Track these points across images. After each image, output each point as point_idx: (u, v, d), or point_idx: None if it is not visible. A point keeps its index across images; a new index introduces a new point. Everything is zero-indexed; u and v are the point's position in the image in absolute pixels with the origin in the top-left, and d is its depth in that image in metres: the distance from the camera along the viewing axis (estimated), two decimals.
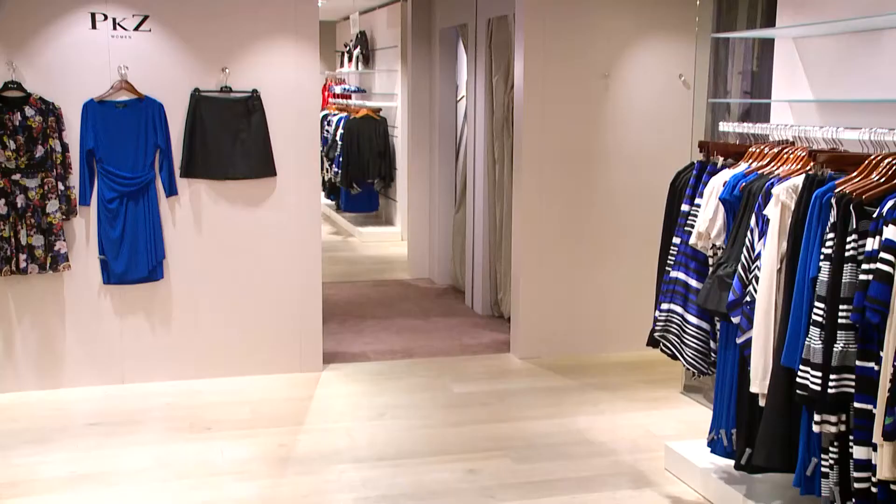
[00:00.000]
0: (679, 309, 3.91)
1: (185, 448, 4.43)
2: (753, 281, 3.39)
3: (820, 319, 3.02)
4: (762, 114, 4.87)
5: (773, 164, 3.62)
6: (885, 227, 2.83)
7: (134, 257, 5.17)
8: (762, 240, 3.37)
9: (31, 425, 4.70)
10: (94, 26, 5.06)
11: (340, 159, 9.91)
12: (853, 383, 2.95)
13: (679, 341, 3.93)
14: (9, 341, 5.14)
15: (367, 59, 11.04)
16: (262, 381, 5.42)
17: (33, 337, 5.17)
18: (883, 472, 2.84)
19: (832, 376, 2.98)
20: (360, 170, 9.92)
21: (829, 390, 2.98)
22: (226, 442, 4.50)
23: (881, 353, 2.86)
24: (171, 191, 5.24)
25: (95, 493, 3.94)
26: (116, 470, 4.17)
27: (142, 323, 5.32)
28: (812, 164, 3.33)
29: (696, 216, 3.81)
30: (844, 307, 2.95)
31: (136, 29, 5.12)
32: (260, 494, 3.95)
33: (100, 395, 5.17)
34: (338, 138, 10.01)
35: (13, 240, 4.94)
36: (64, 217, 5.05)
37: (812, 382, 3.02)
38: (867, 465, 2.93)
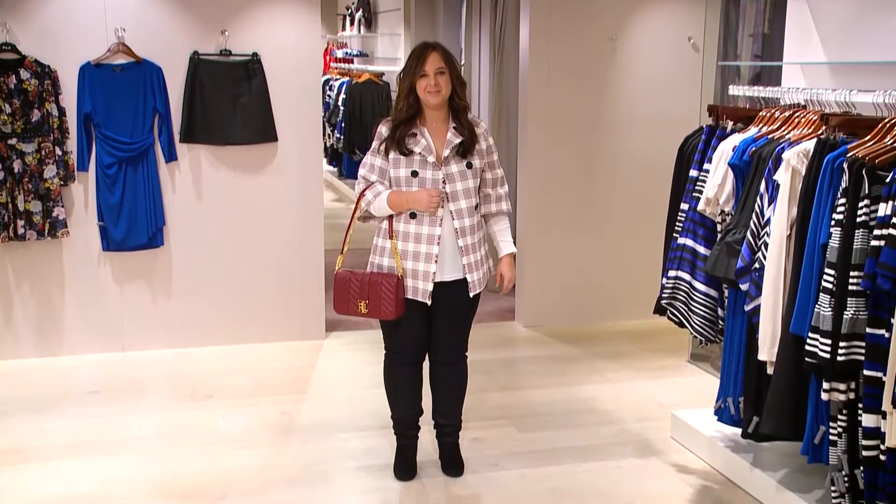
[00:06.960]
0: (687, 276, 3.85)
1: (187, 416, 4.40)
2: (763, 247, 3.33)
3: (830, 286, 2.97)
4: (773, 77, 4.79)
5: (783, 128, 3.55)
6: None
7: (133, 224, 5.11)
8: (772, 205, 3.31)
9: (32, 393, 4.68)
10: None
11: (342, 125, 9.80)
12: (863, 351, 2.91)
13: (686, 309, 3.88)
14: (8, 309, 5.10)
15: (370, 22, 10.90)
16: (263, 349, 5.39)
17: (32, 304, 5.13)
18: (892, 440, 2.82)
19: (842, 343, 2.94)
20: (362, 135, 9.77)
21: (839, 358, 2.94)
22: (227, 410, 4.48)
23: (892, 321, 2.82)
24: (171, 156, 5.17)
25: (96, 460, 3.92)
26: (117, 438, 4.15)
27: (142, 290, 5.27)
28: (824, 128, 3.27)
29: (704, 182, 3.75)
30: (855, 274, 2.90)
31: None
32: (261, 463, 3.92)
33: (100, 362, 5.14)
34: (340, 103, 9.89)
35: (11, 206, 4.87)
36: (62, 183, 4.98)
37: (821, 350, 2.98)
38: (876, 433, 2.90)
